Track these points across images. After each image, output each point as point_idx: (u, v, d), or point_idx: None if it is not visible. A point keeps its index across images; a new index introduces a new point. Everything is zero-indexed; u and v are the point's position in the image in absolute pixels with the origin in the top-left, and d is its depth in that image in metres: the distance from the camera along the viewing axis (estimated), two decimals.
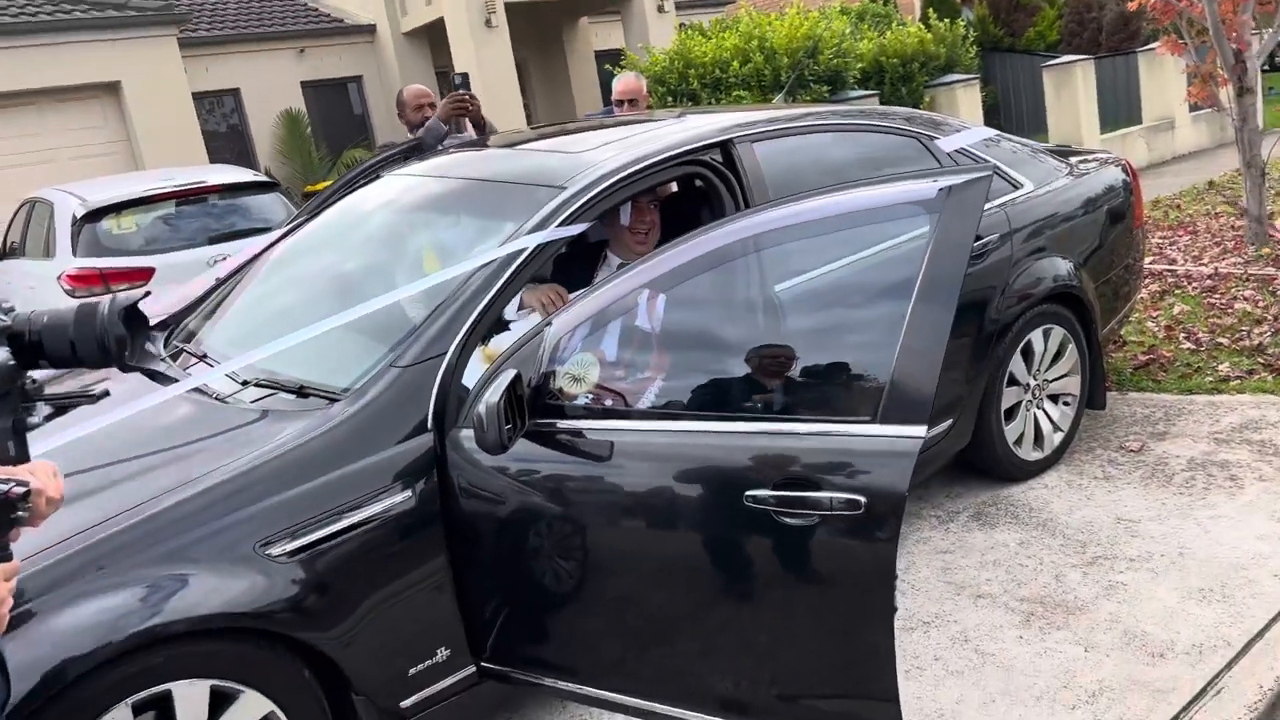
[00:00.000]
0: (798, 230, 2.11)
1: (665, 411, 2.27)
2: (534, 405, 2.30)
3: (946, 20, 12.33)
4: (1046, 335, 3.77)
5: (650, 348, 2.40)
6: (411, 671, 2.38)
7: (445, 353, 2.47)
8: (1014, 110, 15.07)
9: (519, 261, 2.61)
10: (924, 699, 2.71)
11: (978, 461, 3.80)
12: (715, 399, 2.18)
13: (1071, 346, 3.87)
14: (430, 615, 2.39)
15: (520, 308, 2.82)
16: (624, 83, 5.03)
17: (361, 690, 2.30)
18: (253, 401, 2.57)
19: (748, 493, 1.96)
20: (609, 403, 2.37)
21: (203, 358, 2.94)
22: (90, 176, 9.26)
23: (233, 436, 2.39)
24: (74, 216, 6.41)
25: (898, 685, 1.92)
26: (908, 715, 2.64)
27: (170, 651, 2.04)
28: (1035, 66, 13.27)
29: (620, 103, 5.03)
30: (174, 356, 3.07)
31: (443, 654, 2.42)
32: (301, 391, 2.52)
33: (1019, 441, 3.79)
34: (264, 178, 7.45)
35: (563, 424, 2.31)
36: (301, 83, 13.85)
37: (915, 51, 11.17)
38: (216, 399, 2.62)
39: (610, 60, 12.23)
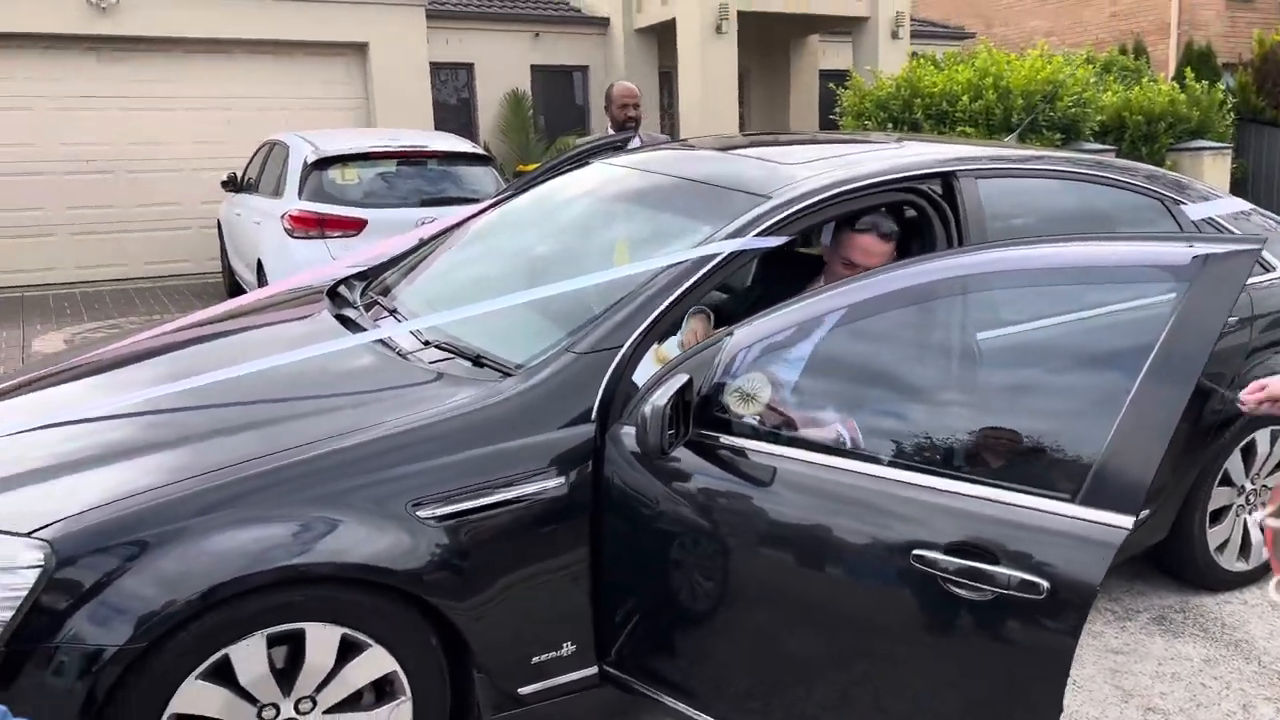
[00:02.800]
0: (1021, 276, 1.93)
1: (836, 446, 2.13)
2: (701, 415, 2.21)
3: (1204, 83, 11.42)
4: (1275, 438, 3.37)
5: (833, 386, 2.27)
6: (535, 660, 2.34)
7: (621, 346, 2.42)
8: (1264, 186, 13.83)
9: (710, 266, 2.53)
10: None
11: (1170, 561, 3.45)
12: (892, 442, 2.03)
13: None
14: (562, 606, 2.35)
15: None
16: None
17: (483, 667, 2.28)
18: (431, 362, 2.60)
19: (915, 551, 1.81)
20: (778, 427, 2.25)
21: (393, 312, 3.02)
22: (327, 128, 9.88)
23: (405, 393, 2.43)
24: (305, 161, 6.81)
25: None
26: None
27: (310, 592, 2.08)
28: None
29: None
30: (367, 307, 3.16)
31: (568, 648, 2.38)
32: (478, 360, 2.53)
33: (1222, 548, 3.42)
34: (480, 150, 7.69)
35: (726, 439, 2.21)
36: (531, 65, 14.28)
37: (1164, 111, 10.39)
38: (398, 354, 2.68)
39: (834, 80, 12.02)
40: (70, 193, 9.88)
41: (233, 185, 8.40)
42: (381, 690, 2.24)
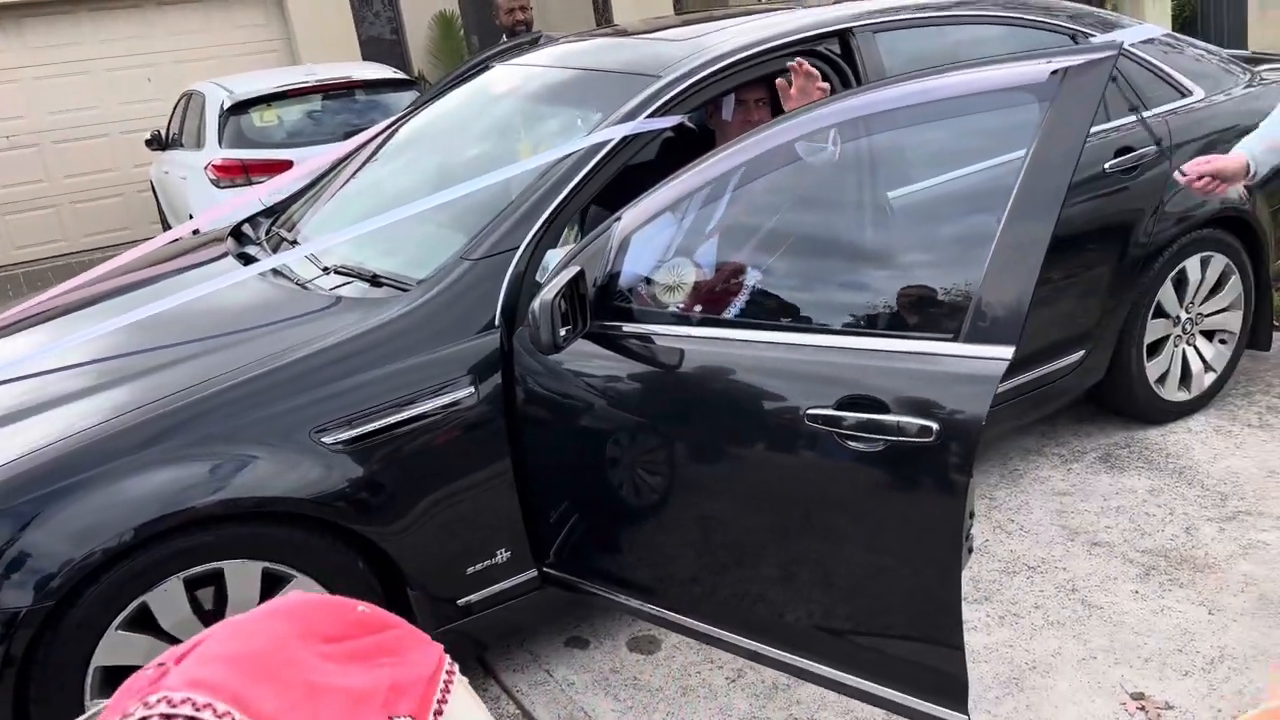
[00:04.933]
0: (887, 119, 1.87)
1: (736, 319, 2.09)
2: (599, 306, 2.17)
3: None
4: (1205, 264, 3.35)
5: (732, 255, 2.22)
6: (469, 570, 2.34)
7: (518, 247, 2.36)
8: (1213, 24, 13.63)
9: (602, 154, 2.46)
10: (1016, 648, 2.50)
11: (1112, 399, 3.46)
12: (784, 307, 2.00)
13: (1235, 278, 3.43)
14: (491, 516, 2.33)
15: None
16: None
17: (416, 584, 2.27)
18: (331, 288, 2.54)
19: (809, 410, 1.78)
20: (684, 307, 2.21)
21: (294, 244, 2.93)
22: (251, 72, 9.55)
23: (301, 321, 2.37)
24: (222, 107, 6.60)
25: (963, 632, 1.73)
26: (996, 662, 2.45)
27: (221, 531, 2.05)
28: None
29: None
30: (273, 244, 3.08)
31: (503, 555, 2.37)
32: (375, 280, 2.47)
33: (1162, 380, 3.43)
34: (402, 75, 7.47)
35: (629, 328, 2.17)
36: None
37: None
38: (298, 284, 2.61)
39: None
40: None
41: (157, 143, 8.15)
42: None
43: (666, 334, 2.14)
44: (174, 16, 10.30)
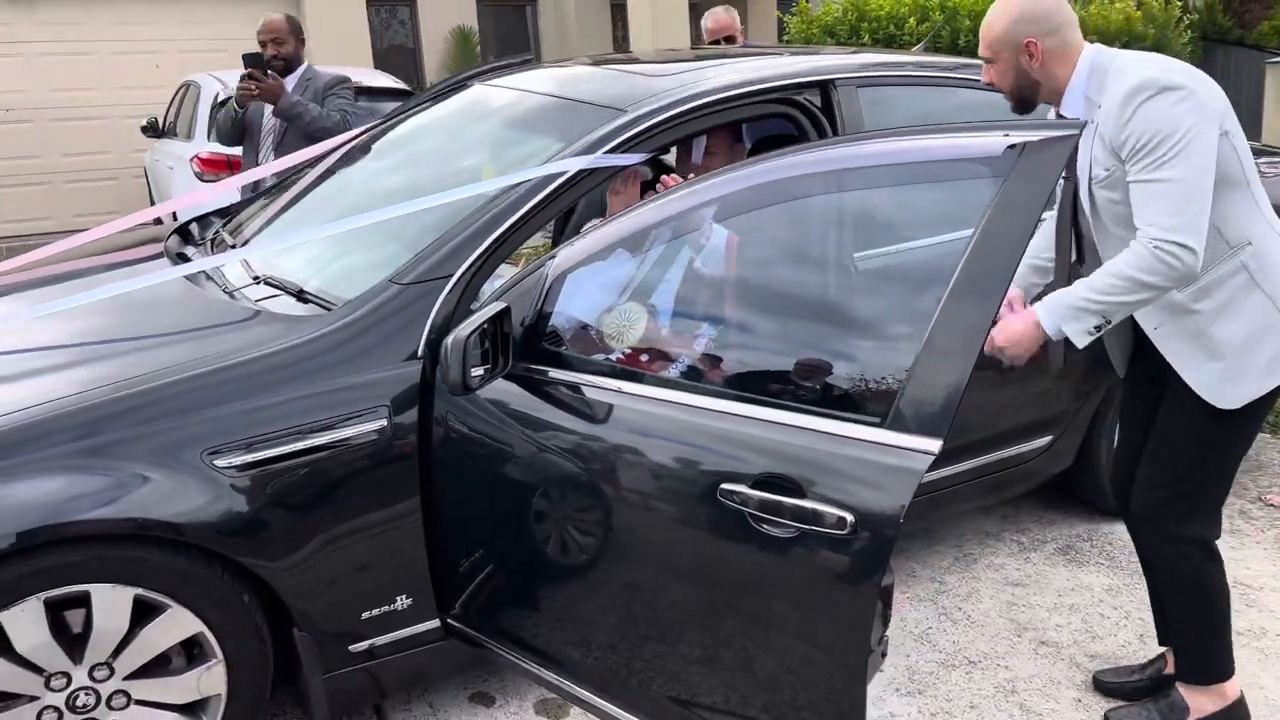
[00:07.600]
0: (837, 179, 1.74)
1: (672, 379, 1.95)
2: (526, 347, 2.03)
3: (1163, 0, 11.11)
4: None
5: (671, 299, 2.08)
6: (365, 615, 2.18)
7: (452, 275, 2.23)
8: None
9: (555, 185, 2.33)
10: None
11: (1079, 488, 3.32)
12: (711, 368, 1.86)
13: None
14: (393, 559, 2.18)
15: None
16: (714, 19, 4.78)
17: (305, 625, 2.12)
18: (256, 300, 2.40)
19: (722, 486, 1.64)
20: (627, 354, 2.06)
21: (233, 248, 2.81)
22: None
23: (217, 332, 2.23)
24: (214, 100, 6.50)
25: None
26: None
27: (90, 552, 1.90)
28: (1261, 63, 11.86)
29: (715, 43, 4.82)
30: (215, 245, 2.95)
31: (403, 602, 2.22)
32: (301, 296, 2.34)
33: None
34: (403, 86, 7.38)
35: (555, 374, 2.03)
36: (477, 0, 13.83)
37: (1119, 29, 10.10)
38: (226, 291, 2.48)
39: (784, 7, 11.68)
40: None
41: (153, 131, 8.06)
42: (193, 652, 2.08)
43: (597, 385, 1.99)
44: (186, 5, 10.27)
